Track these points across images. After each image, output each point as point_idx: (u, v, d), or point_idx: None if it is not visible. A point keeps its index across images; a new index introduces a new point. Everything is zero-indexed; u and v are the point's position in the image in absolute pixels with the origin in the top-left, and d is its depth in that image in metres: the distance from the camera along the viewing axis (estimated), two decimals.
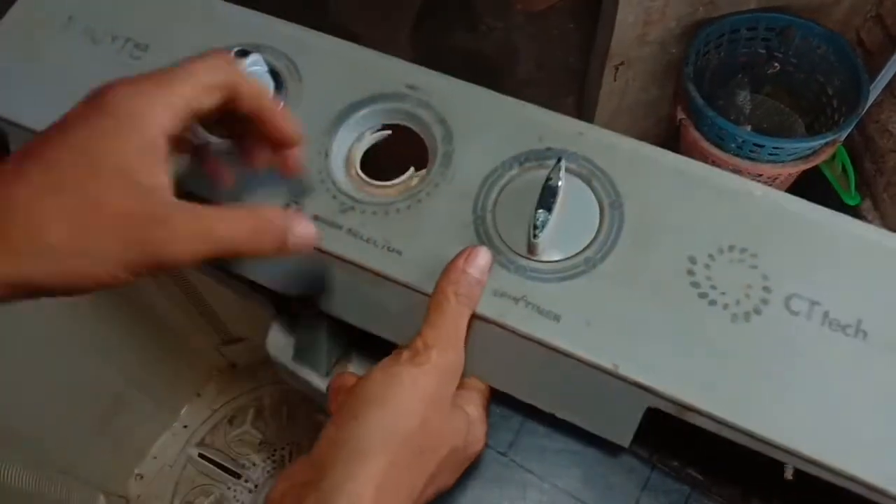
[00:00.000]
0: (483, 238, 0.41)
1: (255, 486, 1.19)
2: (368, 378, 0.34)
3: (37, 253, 0.28)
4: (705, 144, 1.24)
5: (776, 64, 1.32)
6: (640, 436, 0.45)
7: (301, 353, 0.49)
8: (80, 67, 0.48)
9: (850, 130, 1.19)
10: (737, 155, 1.21)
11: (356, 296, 0.43)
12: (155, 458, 1.21)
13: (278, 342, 0.51)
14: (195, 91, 0.32)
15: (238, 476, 1.20)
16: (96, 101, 0.30)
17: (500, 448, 0.43)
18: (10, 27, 0.51)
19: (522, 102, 0.45)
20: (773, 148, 1.17)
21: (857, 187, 1.34)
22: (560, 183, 0.39)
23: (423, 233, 0.42)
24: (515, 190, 0.42)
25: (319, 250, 0.42)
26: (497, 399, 0.44)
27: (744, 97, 1.33)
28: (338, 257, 0.42)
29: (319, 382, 0.49)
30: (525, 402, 0.42)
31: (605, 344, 0.38)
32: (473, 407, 0.39)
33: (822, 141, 1.17)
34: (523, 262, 0.40)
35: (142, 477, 1.20)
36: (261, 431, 1.23)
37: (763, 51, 1.32)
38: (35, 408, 0.94)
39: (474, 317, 0.40)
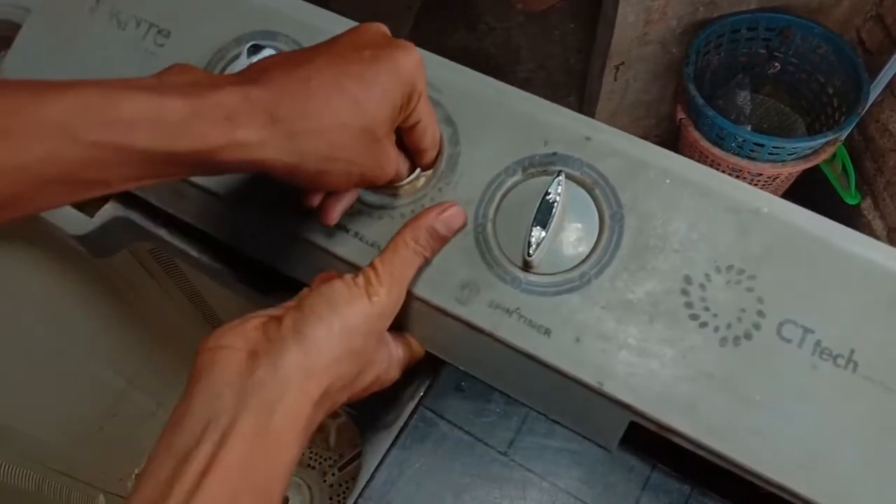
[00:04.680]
0: (482, 247, 0.41)
1: None
2: (334, 287, 0.36)
3: (319, 153, 0.33)
4: (705, 144, 1.24)
5: (776, 64, 1.32)
6: (636, 440, 0.45)
7: None
8: (107, 54, 0.49)
9: (850, 130, 1.19)
10: (737, 154, 1.21)
11: None
12: None
13: None
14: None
15: None
16: (393, 58, 0.35)
17: (501, 447, 0.43)
18: (43, 10, 0.51)
19: (531, 97, 0.44)
20: (774, 147, 1.17)
21: (857, 186, 1.34)
22: (558, 199, 0.38)
23: None
24: (517, 198, 0.41)
25: (326, 251, 0.42)
26: (498, 396, 0.44)
27: (744, 97, 1.34)
28: (343, 260, 0.42)
29: None
30: (518, 401, 0.43)
31: (592, 361, 0.38)
32: (402, 350, 0.42)
33: (823, 140, 1.17)
34: (519, 274, 0.40)
35: None
36: None
37: (763, 51, 1.32)
38: (35, 408, 0.94)
39: (470, 326, 0.40)
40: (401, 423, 0.45)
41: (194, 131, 0.29)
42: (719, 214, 0.39)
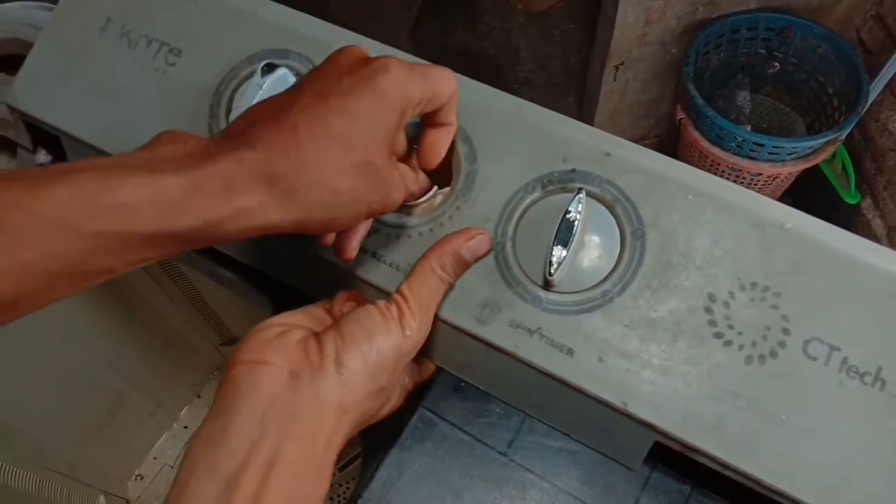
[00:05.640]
0: (501, 265, 0.40)
1: None
2: (372, 316, 0.36)
3: (323, 203, 0.32)
4: (705, 144, 1.24)
5: (776, 63, 1.32)
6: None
7: None
8: (118, 73, 0.48)
9: (850, 129, 1.19)
10: (736, 154, 1.21)
11: None
12: (155, 458, 1.21)
13: None
14: (426, 96, 0.36)
15: None
16: (371, 81, 0.33)
17: (500, 448, 0.43)
18: (54, 29, 0.51)
19: (548, 112, 0.43)
20: (773, 147, 1.17)
21: (857, 186, 1.34)
22: (578, 217, 0.38)
23: None
24: (536, 215, 0.41)
25: (345, 271, 0.42)
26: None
27: (744, 97, 1.34)
28: (363, 280, 0.42)
29: None
30: (541, 421, 0.43)
31: (616, 380, 0.38)
32: (408, 378, 0.42)
33: (822, 140, 1.17)
34: (540, 292, 0.40)
35: (142, 478, 1.20)
36: None
37: (763, 50, 1.32)
38: (36, 408, 0.94)
39: (491, 346, 0.40)
40: (401, 423, 0.45)
41: (195, 207, 0.29)
42: (743, 230, 0.38)
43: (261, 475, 0.30)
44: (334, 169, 0.32)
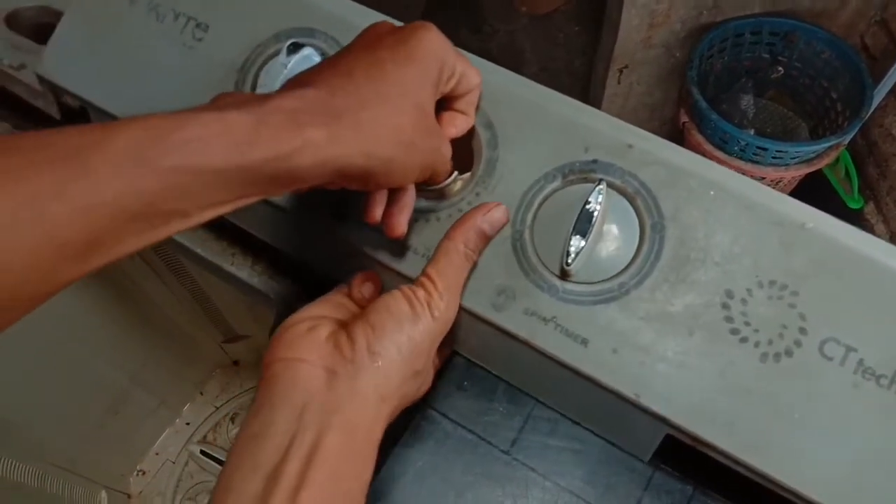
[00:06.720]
0: (519, 253, 0.40)
1: None
2: (399, 303, 0.37)
3: (387, 139, 0.33)
4: (709, 147, 1.24)
5: (780, 68, 1.33)
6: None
7: None
8: (145, 47, 0.48)
9: (853, 134, 1.20)
10: (740, 158, 1.21)
11: None
12: (157, 454, 1.22)
13: None
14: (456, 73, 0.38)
15: None
16: (416, 36, 0.35)
17: (503, 446, 0.43)
18: (83, 1, 0.50)
19: (572, 102, 0.43)
20: (777, 151, 1.17)
21: (860, 191, 1.34)
22: (598, 209, 0.38)
23: None
24: (556, 205, 0.41)
25: (364, 254, 0.42)
26: (501, 395, 0.44)
27: (747, 101, 1.34)
28: (381, 264, 0.42)
29: None
30: (553, 408, 0.43)
31: (630, 372, 0.37)
32: (437, 358, 0.42)
33: (826, 145, 1.17)
34: (557, 282, 0.39)
35: (144, 473, 1.21)
36: None
37: (767, 55, 1.32)
38: (39, 405, 0.94)
39: (505, 333, 0.40)
40: (403, 421, 0.45)
41: (264, 139, 0.29)
42: (763, 228, 0.38)
43: (302, 466, 0.31)
44: (393, 107, 0.33)
